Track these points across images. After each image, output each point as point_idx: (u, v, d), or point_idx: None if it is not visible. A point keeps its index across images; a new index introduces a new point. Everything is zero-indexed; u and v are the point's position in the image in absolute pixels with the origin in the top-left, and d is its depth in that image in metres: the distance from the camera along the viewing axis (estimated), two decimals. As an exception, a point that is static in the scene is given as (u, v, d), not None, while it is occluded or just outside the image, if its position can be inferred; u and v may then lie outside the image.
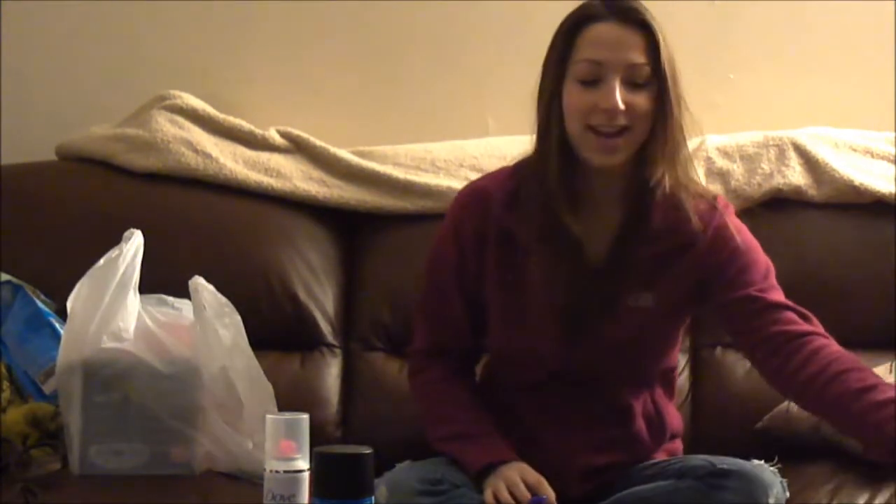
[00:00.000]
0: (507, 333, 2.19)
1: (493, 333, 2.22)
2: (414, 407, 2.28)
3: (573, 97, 2.07)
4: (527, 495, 2.03)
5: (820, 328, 2.10)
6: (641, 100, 2.06)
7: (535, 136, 2.14)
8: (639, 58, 2.06)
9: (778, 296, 2.14)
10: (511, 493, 2.04)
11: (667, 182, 2.10)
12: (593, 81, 2.06)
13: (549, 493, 2.05)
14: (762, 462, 2.09)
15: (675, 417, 2.27)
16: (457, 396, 2.22)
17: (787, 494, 2.07)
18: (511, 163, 2.24)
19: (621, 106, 2.04)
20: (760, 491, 2.00)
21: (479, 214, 2.18)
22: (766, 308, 2.11)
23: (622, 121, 2.05)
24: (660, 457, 2.19)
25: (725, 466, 2.02)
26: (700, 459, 2.07)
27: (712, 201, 2.18)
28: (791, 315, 2.11)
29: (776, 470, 2.08)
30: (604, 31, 2.06)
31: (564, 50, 2.08)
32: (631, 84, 2.06)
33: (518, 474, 2.06)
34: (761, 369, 2.15)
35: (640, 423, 2.19)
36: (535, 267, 2.13)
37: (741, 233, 2.18)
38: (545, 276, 2.13)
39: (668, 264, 2.14)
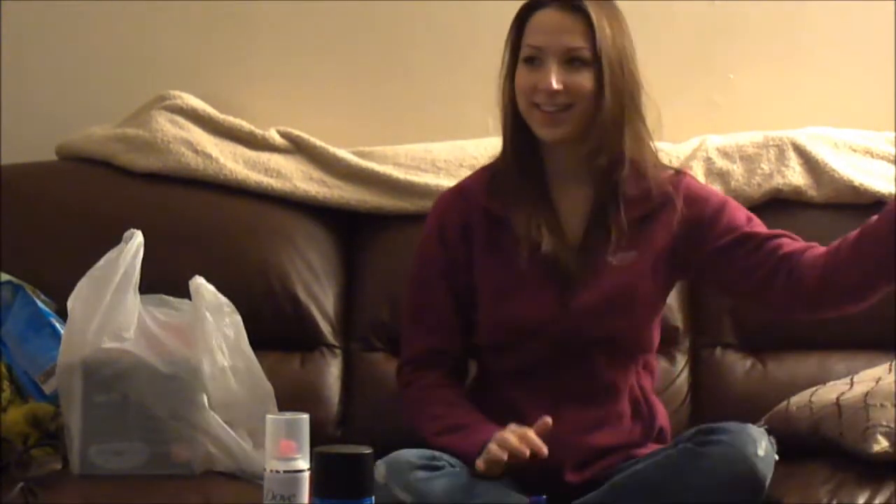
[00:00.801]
0: (501, 310, 2.25)
1: (487, 315, 2.27)
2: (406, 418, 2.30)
3: (519, 77, 2.24)
4: (535, 441, 2.06)
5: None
6: (582, 79, 2.20)
7: (501, 114, 2.30)
8: (577, 41, 2.19)
9: (765, 229, 2.27)
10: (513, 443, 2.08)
11: (622, 153, 2.23)
12: (534, 61, 2.21)
13: (541, 446, 2.08)
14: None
15: (661, 410, 2.33)
16: (448, 396, 2.27)
17: (776, 455, 2.11)
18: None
19: (556, 86, 2.18)
20: (749, 441, 2.06)
21: (460, 208, 2.30)
22: (765, 239, 2.23)
23: (562, 99, 2.19)
24: (651, 449, 2.23)
25: (712, 425, 2.09)
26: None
27: (676, 171, 2.33)
28: (787, 240, 2.24)
29: (764, 429, 2.13)
30: (545, 18, 2.22)
31: (516, 36, 2.25)
32: (570, 65, 2.20)
33: (508, 432, 2.11)
34: (779, 296, 2.22)
35: (626, 404, 2.26)
36: (521, 240, 2.23)
37: (713, 189, 2.39)
38: (531, 246, 2.22)
39: (647, 225, 2.25)
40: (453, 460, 2.14)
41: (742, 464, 2.04)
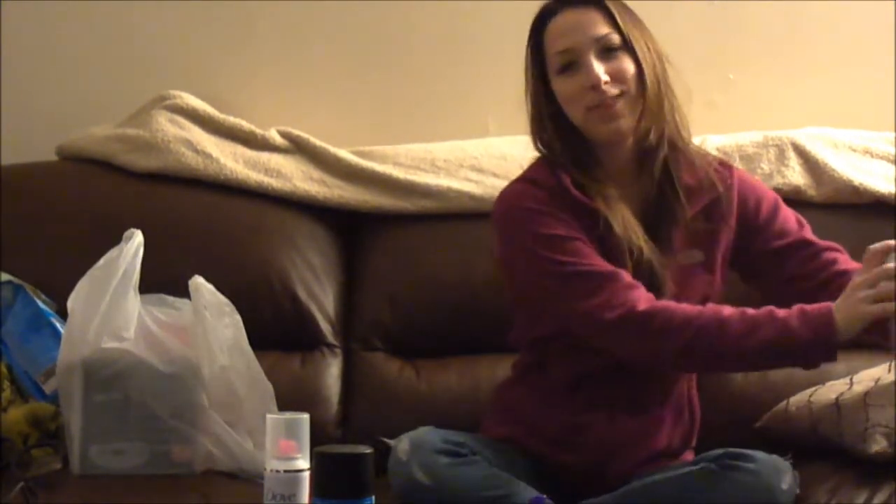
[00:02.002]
0: None
1: None
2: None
3: (562, 87, 2.17)
4: None
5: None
6: (622, 63, 2.15)
7: (534, 138, 2.22)
8: (602, 29, 2.15)
9: (815, 236, 2.26)
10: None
11: (666, 131, 2.17)
12: (573, 68, 2.15)
13: None
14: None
15: (698, 426, 2.30)
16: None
17: (798, 490, 2.09)
18: (519, 166, 2.30)
19: (604, 77, 2.13)
20: (775, 475, 2.03)
21: (540, 196, 2.16)
22: (822, 250, 2.22)
23: (613, 89, 2.14)
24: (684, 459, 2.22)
25: (740, 451, 2.05)
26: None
27: (719, 158, 2.28)
28: (842, 255, 2.22)
29: (790, 463, 2.10)
30: (562, 21, 2.17)
31: (536, 52, 2.20)
32: (607, 54, 2.15)
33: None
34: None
35: (671, 410, 2.23)
36: (621, 242, 2.14)
37: (763, 185, 2.34)
38: (632, 251, 2.14)
39: (709, 222, 2.21)
40: (477, 448, 2.11)
41: (765, 494, 2.01)
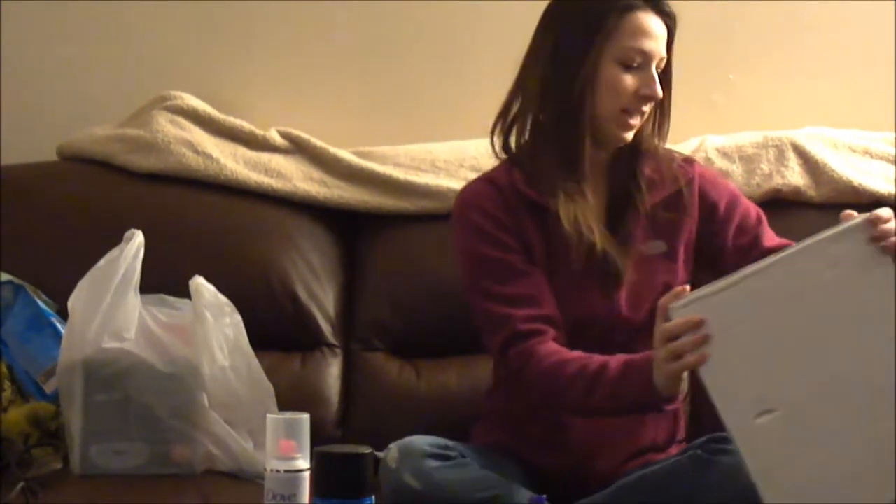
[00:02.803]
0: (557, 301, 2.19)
1: None
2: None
3: (615, 79, 2.16)
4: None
5: None
6: (659, 87, 2.18)
7: (555, 104, 2.19)
8: (664, 50, 2.19)
9: (772, 232, 2.29)
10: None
11: (642, 137, 2.24)
12: (637, 68, 2.16)
13: None
14: None
15: (683, 421, 2.31)
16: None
17: None
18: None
19: (661, 95, 2.17)
20: None
21: (495, 196, 2.21)
22: (774, 249, 2.18)
23: (646, 108, 2.19)
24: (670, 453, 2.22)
25: (723, 435, 2.02)
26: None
27: (683, 155, 2.32)
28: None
29: None
30: (649, 22, 2.17)
31: (606, 30, 2.15)
32: (657, 70, 2.18)
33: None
34: None
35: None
36: (571, 237, 2.17)
37: (723, 179, 2.38)
38: (582, 244, 2.17)
39: (670, 213, 2.23)
40: (466, 451, 2.12)
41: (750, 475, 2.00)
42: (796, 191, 2.69)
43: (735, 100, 2.89)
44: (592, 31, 2.16)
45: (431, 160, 2.75)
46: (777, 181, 2.69)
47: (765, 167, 2.71)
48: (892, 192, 2.68)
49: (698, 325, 1.83)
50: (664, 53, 2.18)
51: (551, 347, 2.12)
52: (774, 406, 1.79)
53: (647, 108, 2.19)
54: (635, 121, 2.19)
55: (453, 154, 2.75)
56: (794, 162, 2.72)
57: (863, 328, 1.80)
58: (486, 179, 2.25)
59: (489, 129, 2.28)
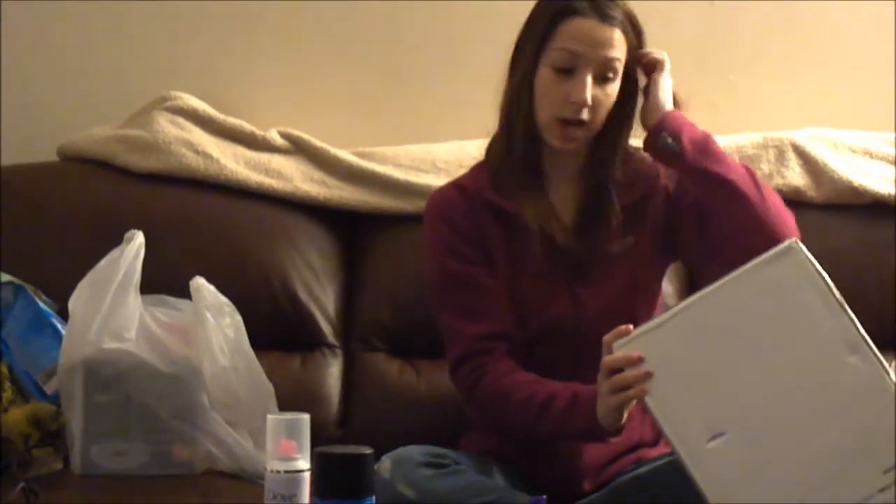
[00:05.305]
0: (518, 308, 2.21)
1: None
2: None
3: (546, 84, 2.17)
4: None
5: None
6: (606, 93, 2.16)
7: (502, 113, 2.25)
8: (614, 53, 2.15)
9: None
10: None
11: (617, 145, 2.24)
12: (567, 71, 2.15)
13: None
14: None
15: None
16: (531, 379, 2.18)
17: None
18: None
19: (590, 101, 2.14)
20: None
21: (462, 203, 2.25)
22: None
23: (584, 115, 2.15)
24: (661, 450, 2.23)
25: None
26: None
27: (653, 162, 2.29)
28: None
29: None
30: (586, 26, 2.14)
31: (544, 35, 2.16)
32: (601, 78, 2.15)
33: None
34: None
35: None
36: (533, 236, 2.20)
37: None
38: (544, 242, 2.20)
39: (639, 210, 2.24)
40: (459, 459, 2.13)
41: None
42: (796, 191, 2.70)
43: (735, 101, 2.89)
44: (534, 35, 2.18)
45: (431, 160, 2.75)
46: (777, 182, 2.70)
47: (765, 168, 2.72)
48: (892, 192, 2.69)
49: (637, 360, 1.87)
50: (608, 55, 2.14)
51: (502, 368, 2.16)
52: (724, 429, 1.83)
53: (585, 116, 2.15)
54: (573, 131, 2.16)
55: (453, 154, 2.76)
56: (794, 162, 2.72)
57: (796, 345, 1.85)
58: (455, 185, 2.29)
59: (489, 129, 2.28)
